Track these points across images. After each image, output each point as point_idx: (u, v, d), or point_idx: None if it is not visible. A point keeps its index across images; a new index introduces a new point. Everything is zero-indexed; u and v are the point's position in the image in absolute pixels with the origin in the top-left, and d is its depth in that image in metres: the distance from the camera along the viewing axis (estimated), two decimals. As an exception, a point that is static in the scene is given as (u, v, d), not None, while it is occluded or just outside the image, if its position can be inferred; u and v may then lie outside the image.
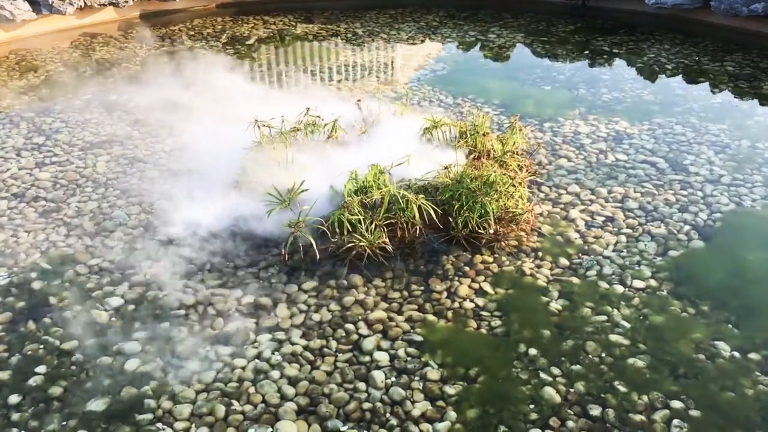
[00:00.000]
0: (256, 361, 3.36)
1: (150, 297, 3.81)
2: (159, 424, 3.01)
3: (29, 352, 3.42)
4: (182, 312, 3.70)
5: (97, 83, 7.07)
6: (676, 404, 3.07)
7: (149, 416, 3.05)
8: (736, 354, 3.35)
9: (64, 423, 3.02)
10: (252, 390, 3.19)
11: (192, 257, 4.16)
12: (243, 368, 3.32)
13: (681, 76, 7.22)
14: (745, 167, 5.17)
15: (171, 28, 9.22)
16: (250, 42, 8.63)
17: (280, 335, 3.53)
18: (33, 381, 3.24)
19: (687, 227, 4.40)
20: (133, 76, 7.25)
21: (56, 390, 3.19)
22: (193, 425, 3.01)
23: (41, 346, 3.46)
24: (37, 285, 3.93)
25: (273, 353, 3.41)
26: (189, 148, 5.39)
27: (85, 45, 8.50)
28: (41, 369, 3.31)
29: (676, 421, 2.98)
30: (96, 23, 9.22)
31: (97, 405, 3.10)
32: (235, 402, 3.13)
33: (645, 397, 3.11)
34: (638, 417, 3.01)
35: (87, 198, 4.84)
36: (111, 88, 6.91)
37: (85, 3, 8.90)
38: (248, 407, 3.10)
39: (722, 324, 3.56)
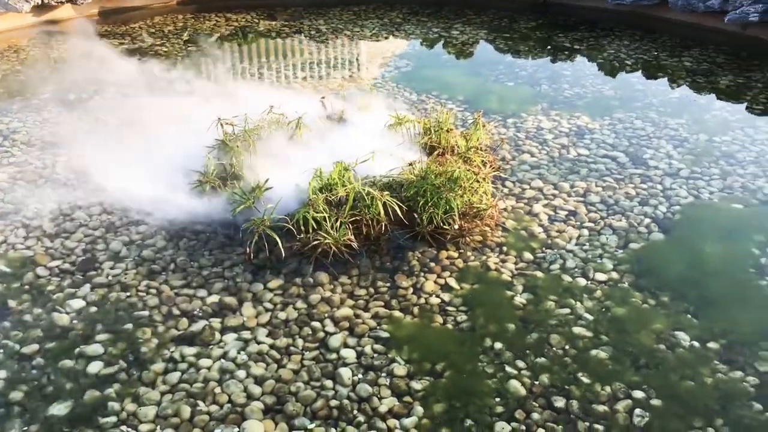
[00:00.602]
0: (222, 360, 3.34)
1: (113, 298, 3.76)
2: (123, 427, 2.97)
3: (-12, 357, 3.35)
4: (146, 313, 3.65)
5: (55, 82, 6.93)
6: (638, 394, 3.13)
7: (113, 419, 3.01)
8: (696, 344, 3.43)
9: (26, 428, 2.96)
10: (218, 390, 3.17)
11: (155, 257, 4.11)
12: (208, 368, 3.29)
13: (640, 71, 7.35)
14: (703, 160, 5.28)
15: (131, 25, 9.09)
16: (212, 39, 8.55)
17: (246, 334, 3.51)
18: (-8, 386, 3.18)
19: (647, 220, 4.48)
20: (92, 74, 7.12)
21: (17, 395, 3.13)
22: (158, 427, 2.98)
23: (1, 351, 3.39)
24: (-5, 288, 3.85)
25: (239, 353, 3.39)
26: (151, 147, 5.31)
27: (42, 43, 8.33)
28: (1, 374, 3.24)
29: (638, 411, 3.04)
30: (53, 20, 9.04)
31: (59, 409, 3.05)
32: (200, 402, 3.10)
33: (608, 388, 3.16)
34: (601, 407, 3.06)
35: (46, 199, 4.75)
36: (70, 87, 6.78)
37: (42, 0, 8.72)
38: (214, 407, 3.08)
39: (682, 314, 3.63)
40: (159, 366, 3.30)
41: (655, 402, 3.09)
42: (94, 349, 3.40)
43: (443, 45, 8.35)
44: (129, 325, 3.56)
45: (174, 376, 3.24)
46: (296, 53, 8.05)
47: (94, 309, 3.68)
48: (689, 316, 3.63)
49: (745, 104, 6.41)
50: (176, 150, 5.08)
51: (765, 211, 4.61)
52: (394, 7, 9.98)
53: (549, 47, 8.17)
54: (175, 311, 3.68)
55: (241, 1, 10.03)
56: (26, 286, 3.87)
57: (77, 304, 3.72)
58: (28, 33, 8.68)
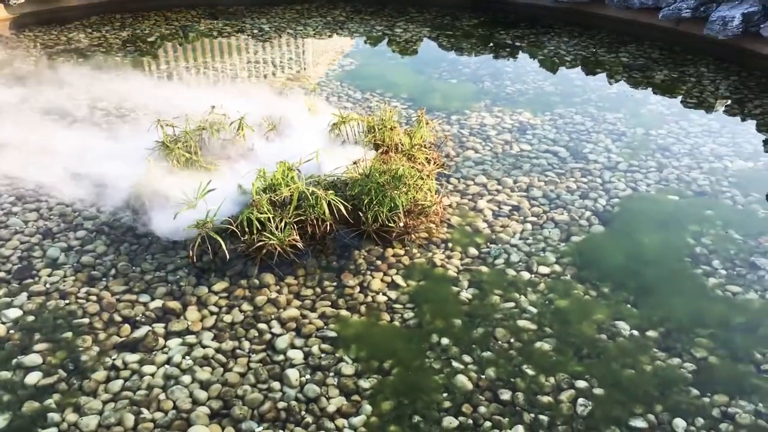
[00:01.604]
0: (166, 366, 3.29)
1: (51, 307, 3.66)
2: (64, 438, 2.90)
3: None
4: (86, 320, 3.56)
5: (-13, 84, 6.70)
6: (581, 384, 3.19)
7: (53, 430, 2.93)
8: (635, 332, 3.52)
9: (-40, 444, 2.87)
10: (162, 396, 3.12)
11: (95, 263, 4.01)
12: (152, 375, 3.24)
13: (579, 67, 7.49)
14: (640, 154, 5.42)
15: (67, 25, 8.84)
16: (152, 39, 8.38)
17: (191, 339, 3.46)
18: (-76, 402, 3.06)
19: (588, 213, 4.58)
20: (25, 77, 6.91)
21: (-50, 410, 3.02)
22: (101, 437, 2.92)
23: (-68, 365, 3.26)
24: (-75, 300, 3.70)
25: (183, 358, 3.34)
26: (88, 150, 5.18)
27: (-28, 44, 8.03)
28: (-67, 389, 3.13)
29: (581, 400, 3.10)
30: (-16, 21, 8.73)
31: (-4, 423, 2.96)
32: (144, 410, 3.04)
33: (552, 379, 3.22)
34: (546, 398, 3.12)
35: (-21, 206, 4.60)
36: (3, 91, 6.55)
37: (-29, 0, 8.41)
38: (159, 414, 3.03)
39: (622, 304, 3.73)
40: (101, 374, 3.23)
41: (598, 391, 3.16)
42: (32, 359, 3.30)
43: (387, 43, 8.37)
44: (68, 334, 3.47)
45: (116, 384, 3.17)
46: (239, 52, 7.95)
47: (31, 318, 3.58)
48: (629, 305, 3.72)
49: (680, 98, 6.60)
50: (114, 152, 4.97)
51: (699, 202, 4.75)
52: (337, 5, 9.95)
53: (491, 44, 8.27)
54: (117, 318, 3.60)
55: (180, 0, 9.84)
56: (-41, 297, 3.73)
57: (14, 313, 3.60)
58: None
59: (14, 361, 3.29)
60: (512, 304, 3.72)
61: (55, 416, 2.99)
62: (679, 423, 3.01)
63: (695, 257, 4.13)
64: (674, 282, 3.94)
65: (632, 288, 3.86)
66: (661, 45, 8.02)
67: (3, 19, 8.83)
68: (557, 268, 4.03)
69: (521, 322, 3.58)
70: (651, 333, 3.52)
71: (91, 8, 9.45)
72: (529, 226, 4.45)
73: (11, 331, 3.49)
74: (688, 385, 3.20)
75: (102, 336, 3.46)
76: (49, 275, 3.91)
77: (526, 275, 3.96)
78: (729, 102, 6.48)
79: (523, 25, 8.99)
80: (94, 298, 3.73)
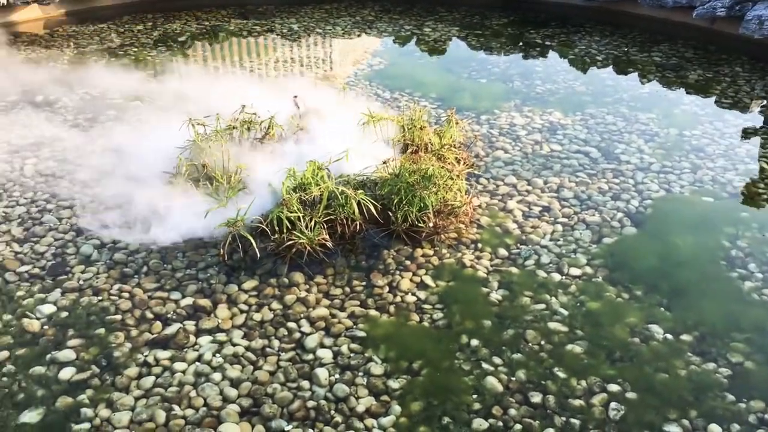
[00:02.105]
0: (197, 363, 3.31)
1: (84, 303, 3.70)
2: (97, 434, 2.94)
3: (-44, 366, 3.28)
4: (118, 317, 3.60)
5: (22, 84, 6.81)
6: (614, 387, 3.15)
7: (86, 426, 2.96)
8: (669, 336, 3.46)
9: (-4, 437, 2.91)
10: (193, 393, 3.14)
11: (127, 260, 4.06)
12: (183, 372, 3.26)
13: (611, 66, 7.41)
14: (674, 154, 5.34)
15: (99, 25, 8.95)
16: (183, 39, 8.46)
17: (221, 336, 3.48)
18: (-39, 395, 3.12)
19: (620, 214, 4.52)
20: (60, 75, 7.01)
21: (-14, 403, 3.07)
22: (133, 433, 2.95)
23: (-31, 359, 3.32)
24: (-37, 295, 3.77)
25: (214, 355, 3.36)
26: (121, 148, 5.24)
27: (8, 45, 8.17)
28: (-30, 382, 3.19)
29: (613, 404, 3.06)
30: (19, 22, 8.87)
31: (30, 417, 3.00)
32: (176, 407, 3.07)
33: (583, 382, 3.18)
34: (577, 402, 3.08)
35: (14, 203, 4.67)
36: (37, 89, 6.66)
37: (7, 1, 8.55)
38: (190, 411, 3.05)
39: (655, 307, 3.67)
40: (133, 370, 3.26)
41: (630, 395, 3.11)
42: (66, 354, 3.34)
43: (416, 42, 8.35)
44: (101, 330, 3.51)
45: (148, 381, 3.20)
46: (268, 52, 7.99)
47: (65, 314, 3.62)
48: (662, 309, 3.66)
49: (714, 98, 6.49)
50: (146, 150, 5.02)
51: (734, 204, 4.67)
52: (365, 4, 9.95)
53: (521, 44, 8.21)
54: (149, 315, 3.63)
55: (211, 0, 9.92)
56: (-5, 292, 3.80)
57: (48, 309, 3.65)
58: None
59: (48, 356, 3.34)
60: (543, 306, 3.69)
61: (88, 412, 3.02)
62: (714, 429, 2.95)
63: (730, 260, 4.06)
64: (709, 285, 3.88)
65: (665, 291, 3.80)
66: (694, 44, 7.91)
67: (37, 19, 8.98)
68: (589, 269, 3.99)
69: (552, 324, 3.55)
70: (685, 337, 3.46)
71: (124, 8, 9.57)
72: (559, 227, 4.40)
73: (45, 327, 3.54)
74: (724, 390, 3.15)
75: (134, 332, 3.50)
76: (83, 272, 3.96)
77: (556, 277, 3.92)
78: (765, 102, 6.36)
79: (553, 24, 8.91)
80: (126, 295, 3.77)
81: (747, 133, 5.71)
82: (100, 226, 4.35)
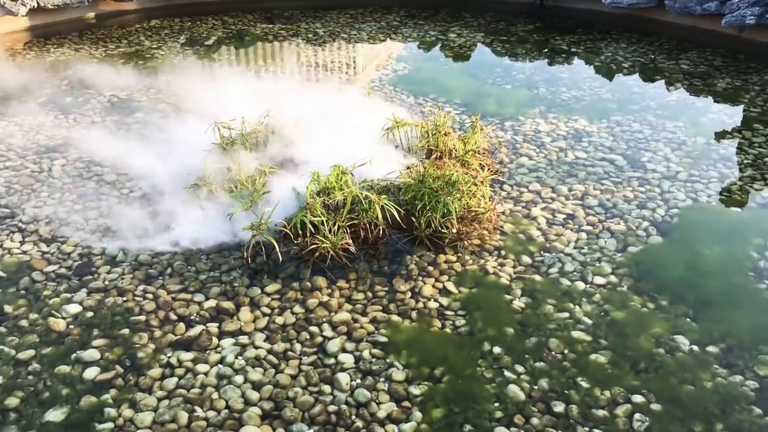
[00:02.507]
0: (219, 366, 3.32)
1: (109, 303, 3.74)
2: (120, 433, 2.96)
3: (-16, 363, 3.33)
4: (142, 318, 3.63)
5: (51, 86, 6.91)
6: (638, 398, 3.11)
7: (110, 425, 2.99)
8: (695, 347, 3.42)
9: (21, 435, 2.95)
10: (215, 396, 3.15)
11: (152, 261, 4.09)
12: (206, 374, 3.27)
13: (637, 74, 7.34)
14: (701, 163, 5.27)
15: (127, 28, 9.07)
16: (209, 42, 8.53)
17: (244, 339, 3.49)
18: (-12, 392, 3.16)
19: (645, 223, 4.47)
20: (88, 78, 7.11)
21: (13, 401, 3.11)
22: (155, 433, 2.97)
23: (-4, 357, 3.37)
24: (-9, 293, 3.83)
25: (236, 358, 3.37)
26: (147, 150, 5.29)
27: (38, 47, 8.30)
28: (-4, 380, 3.23)
29: (637, 416, 3.02)
30: (50, 24, 9.00)
31: (55, 415, 3.03)
32: (198, 408, 3.08)
33: (607, 393, 3.15)
34: (601, 412, 3.05)
35: (42, 203, 4.73)
36: (66, 91, 6.76)
37: (38, 4, 8.69)
38: (211, 413, 3.06)
39: (681, 318, 3.62)
40: (156, 371, 3.28)
41: (655, 406, 3.07)
42: (91, 354, 3.37)
43: (440, 48, 8.35)
44: (125, 330, 3.54)
45: (171, 382, 3.22)
46: (294, 56, 8.03)
47: (90, 314, 3.66)
48: (688, 319, 3.61)
49: (743, 107, 6.40)
50: (172, 153, 5.07)
51: (763, 214, 4.60)
52: (390, 10, 9.97)
53: (546, 50, 8.17)
54: (172, 316, 3.66)
55: (238, 5, 10.01)
56: (22, 291, 3.85)
57: (73, 309, 3.69)
58: (24, 36, 8.65)
59: (73, 355, 3.37)
60: (566, 315, 3.66)
61: (111, 411, 3.05)
62: (741, 443, 2.91)
63: (758, 271, 4.00)
64: (736, 296, 3.82)
65: (692, 301, 3.75)
66: (723, 52, 7.82)
67: (67, 22, 9.10)
68: (613, 278, 3.95)
69: (575, 333, 3.51)
70: (711, 348, 3.41)
71: (152, 11, 9.68)
72: (584, 235, 4.36)
73: (71, 326, 3.58)
74: (750, 403, 3.09)
75: (158, 333, 3.52)
76: (108, 272, 4.00)
77: (580, 285, 3.89)
78: (795, 111, 6.27)
79: (579, 30, 8.86)
80: (150, 296, 3.80)
81: (776, 143, 5.63)
82: (125, 227, 4.39)
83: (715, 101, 6.57)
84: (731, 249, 4.23)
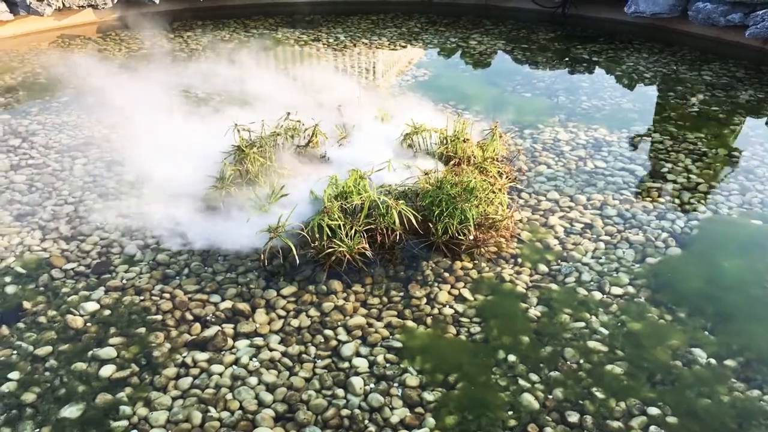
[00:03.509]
0: (234, 367, 3.33)
1: (126, 302, 3.77)
2: (134, 431, 2.97)
3: (2, 358, 3.36)
4: (159, 317, 3.66)
5: (74, 85, 6.99)
6: (654, 411, 3.08)
7: (124, 423, 3.01)
8: (713, 361, 3.38)
9: (38, 430, 2.97)
10: (229, 396, 3.16)
11: (169, 261, 4.12)
12: (220, 374, 3.29)
13: (659, 84, 7.30)
14: (721, 175, 5.22)
15: (150, 30, 9.15)
16: (231, 45, 8.59)
17: (259, 341, 3.50)
18: (6, 387, 3.18)
19: (664, 234, 4.43)
20: (111, 78, 7.18)
21: (29, 396, 3.14)
22: (169, 432, 2.98)
23: (14, 352, 3.40)
24: (11, 289, 3.87)
25: (251, 359, 3.38)
26: (168, 150, 5.33)
27: (63, 47, 8.41)
28: (14, 375, 3.25)
29: (653, 428, 3.00)
30: (74, 25, 9.13)
31: (71, 412, 3.05)
32: (212, 409, 3.09)
33: (622, 404, 3.12)
34: (616, 423, 3.02)
35: (63, 201, 4.78)
36: (89, 91, 6.83)
37: (63, 4, 8.81)
38: (225, 414, 3.07)
39: (698, 331, 3.59)
40: (171, 371, 3.30)
41: (671, 419, 3.04)
42: (107, 352, 3.40)
43: (461, 55, 8.35)
44: (142, 329, 3.56)
45: (186, 382, 3.24)
46: (315, 60, 8.07)
47: (107, 312, 3.69)
48: (706, 332, 3.58)
49: (765, 119, 6.34)
50: (192, 154, 5.10)
51: (784, 228, 4.55)
52: (412, 16, 9.99)
53: (567, 59, 8.14)
54: (188, 316, 3.68)
55: (260, 9, 10.08)
56: (41, 288, 3.89)
57: (91, 306, 3.72)
58: (49, 36, 8.77)
59: (90, 353, 3.40)
60: (582, 324, 3.63)
61: (126, 409, 3.07)
62: (758, 459, 2.87)
63: (779, 285, 3.95)
64: (755, 310, 3.77)
65: (710, 314, 3.71)
66: (746, 64, 7.75)
67: (91, 23, 9.22)
68: (631, 289, 3.92)
69: (591, 343, 3.49)
70: (729, 362, 3.37)
71: (174, 14, 9.77)
72: (602, 245, 4.34)
73: (88, 324, 3.61)
74: (769, 419, 3.06)
75: (174, 333, 3.54)
76: (126, 271, 4.03)
77: (597, 295, 3.86)
78: (819, 125, 6.19)
79: (601, 40, 8.83)
80: (167, 295, 3.83)
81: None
82: (144, 227, 4.42)
83: (737, 113, 6.51)
84: (750, 262, 4.18)
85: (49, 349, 3.42)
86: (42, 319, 3.63)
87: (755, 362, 3.37)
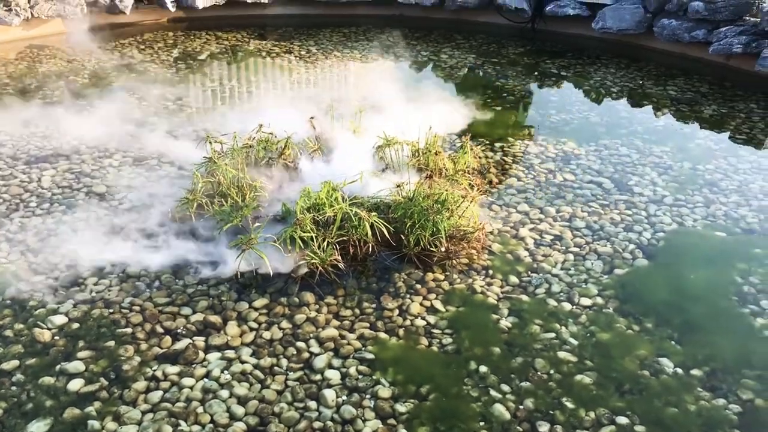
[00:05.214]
0: (205, 380, 3.31)
1: (95, 315, 3.72)
2: (103, 446, 2.94)
3: (-33, 373, 3.30)
4: (129, 330, 3.62)
5: (43, 96, 6.92)
6: (622, 420, 3.13)
7: (93, 438, 2.97)
8: (679, 370, 3.44)
9: (3, 446, 2.92)
10: (200, 410, 3.14)
11: (139, 274, 4.08)
12: (191, 387, 3.26)
13: (626, 99, 7.44)
14: (687, 188, 5.33)
15: (121, 41, 9.09)
16: (202, 57, 8.56)
17: (230, 353, 3.48)
18: (-30, 402, 3.13)
19: (632, 246, 4.51)
20: (80, 89, 7.12)
21: (-5, 412, 3.08)
22: (139, 446, 2.95)
23: (-20, 366, 3.34)
24: (-24, 303, 3.80)
25: (222, 372, 3.36)
26: (138, 163, 5.30)
27: (31, 57, 8.31)
28: (-21, 390, 3.20)
29: (621, 437, 3.04)
30: (43, 35, 9.03)
31: (38, 427, 3.00)
32: (182, 422, 3.07)
33: (592, 413, 3.16)
34: (585, 433, 3.06)
35: (31, 213, 4.71)
36: (57, 102, 6.76)
37: (32, 14, 8.71)
38: (196, 428, 3.05)
39: (666, 341, 3.65)
40: (141, 384, 3.26)
41: (639, 428, 3.09)
42: (76, 366, 3.35)
43: (432, 68, 8.42)
44: (111, 342, 3.52)
45: (156, 395, 3.21)
46: (286, 73, 8.07)
47: (76, 325, 3.64)
48: (673, 342, 3.64)
49: (729, 133, 6.49)
50: (163, 166, 5.07)
51: (747, 240, 4.65)
52: (384, 30, 10.05)
53: (536, 73, 8.26)
54: (159, 329, 3.64)
55: (232, 21, 10.06)
56: (8, 301, 3.82)
57: (59, 320, 3.67)
58: (17, 46, 8.65)
59: (58, 367, 3.35)
60: (552, 335, 3.68)
61: (95, 424, 3.03)
62: (723, 466, 2.93)
63: (742, 296, 4.04)
64: (720, 320, 3.85)
65: (676, 324, 3.78)
66: (710, 79, 7.94)
67: (61, 33, 9.12)
68: (599, 300, 3.97)
69: (561, 354, 3.53)
70: (695, 371, 3.44)
71: (146, 25, 9.71)
72: (571, 256, 4.40)
73: (56, 337, 3.56)
74: (734, 427, 3.11)
75: (144, 346, 3.51)
76: (95, 284, 3.99)
77: (567, 306, 3.91)
78: (780, 139, 6.36)
79: (569, 55, 8.97)
80: (137, 308, 3.79)
81: (761, 170, 5.70)
82: (114, 239, 4.38)
83: (701, 127, 6.65)
84: (716, 273, 4.27)
85: (15, 363, 3.36)
86: (8, 332, 3.57)
87: (720, 372, 3.44)
